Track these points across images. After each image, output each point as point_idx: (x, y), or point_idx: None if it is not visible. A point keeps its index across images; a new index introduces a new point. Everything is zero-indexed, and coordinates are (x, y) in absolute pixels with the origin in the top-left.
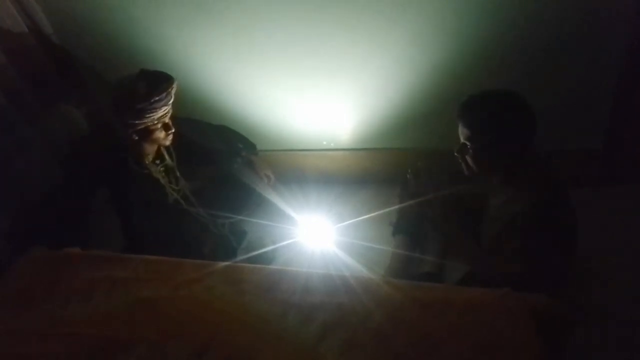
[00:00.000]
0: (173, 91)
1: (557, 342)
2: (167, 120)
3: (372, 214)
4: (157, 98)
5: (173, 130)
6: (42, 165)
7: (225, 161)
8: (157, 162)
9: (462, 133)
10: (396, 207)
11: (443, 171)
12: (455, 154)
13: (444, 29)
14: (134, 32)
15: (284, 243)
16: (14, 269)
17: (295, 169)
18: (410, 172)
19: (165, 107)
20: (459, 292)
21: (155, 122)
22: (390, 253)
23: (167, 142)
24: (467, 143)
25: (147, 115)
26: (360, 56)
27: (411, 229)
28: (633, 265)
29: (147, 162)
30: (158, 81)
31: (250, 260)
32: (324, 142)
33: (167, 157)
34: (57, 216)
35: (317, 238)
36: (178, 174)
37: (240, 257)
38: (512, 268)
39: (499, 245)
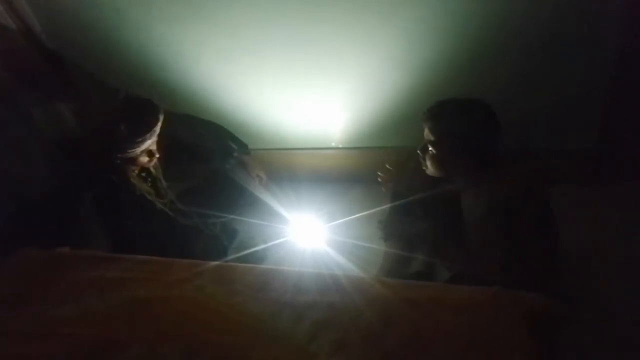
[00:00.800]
0: (158, 126)
1: (551, 341)
2: (152, 147)
3: (364, 213)
4: (140, 139)
5: (157, 155)
6: (34, 165)
7: (217, 160)
8: (143, 174)
9: (425, 135)
10: (387, 206)
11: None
12: (418, 151)
13: (436, 29)
14: (125, 30)
15: (276, 242)
16: (4, 269)
17: (287, 168)
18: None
19: (150, 141)
20: (450, 290)
21: (140, 153)
22: (383, 253)
23: (151, 164)
24: (429, 145)
25: (131, 150)
26: (352, 55)
27: (402, 230)
28: (630, 264)
29: (132, 179)
30: (141, 118)
31: (242, 259)
32: (333, 143)
33: (152, 169)
34: (48, 216)
35: (309, 237)
36: (165, 184)
37: (231, 257)
38: (492, 268)
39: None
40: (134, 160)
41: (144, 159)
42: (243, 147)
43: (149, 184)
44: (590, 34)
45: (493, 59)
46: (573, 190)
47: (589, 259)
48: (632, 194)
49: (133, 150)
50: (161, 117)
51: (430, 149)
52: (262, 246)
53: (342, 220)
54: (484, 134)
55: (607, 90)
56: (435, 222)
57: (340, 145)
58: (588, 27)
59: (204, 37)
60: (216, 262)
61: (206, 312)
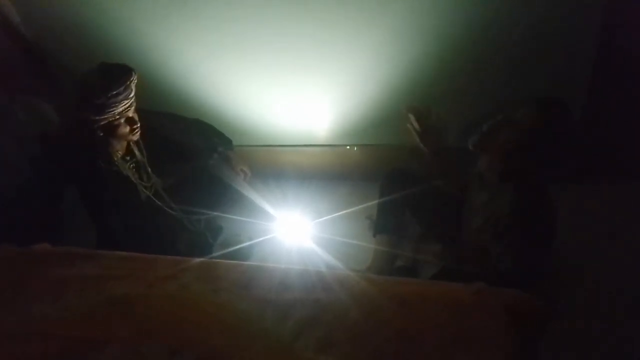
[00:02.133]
0: (133, 84)
1: (531, 336)
2: (130, 114)
3: (350, 210)
4: (115, 92)
5: (139, 125)
6: (12, 160)
7: (201, 157)
8: (127, 158)
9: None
10: (373, 202)
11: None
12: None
13: (423, 26)
14: (107, 24)
15: (261, 239)
16: None
17: (273, 164)
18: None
19: (126, 101)
20: (435, 286)
21: (118, 117)
22: (373, 250)
23: (135, 138)
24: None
25: (108, 111)
26: (339, 52)
27: (391, 226)
28: (616, 262)
29: (116, 159)
30: (116, 75)
31: (227, 256)
32: (349, 148)
33: (137, 152)
34: (27, 213)
35: (295, 234)
36: (149, 170)
37: (216, 254)
38: (501, 264)
39: (478, 238)
40: (114, 131)
41: (125, 129)
42: (227, 143)
43: (133, 168)
44: (572, 33)
45: (478, 57)
46: (552, 188)
47: (575, 257)
48: (612, 191)
49: (111, 110)
50: (134, 75)
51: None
52: (247, 243)
53: (328, 218)
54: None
55: (588, 88)
56: (425, 218)
57: (326, 143)
58: (570, 27)
59: (188, 32)
60: (200, 259)
61: (189, 310)
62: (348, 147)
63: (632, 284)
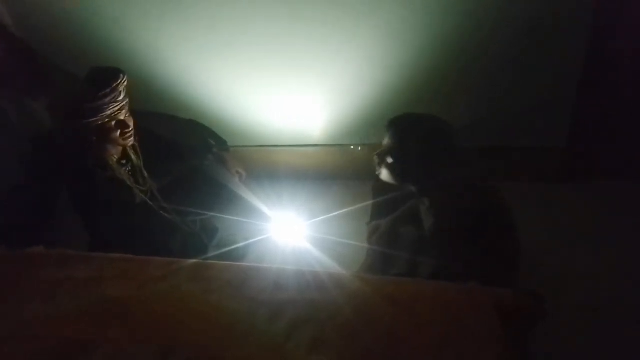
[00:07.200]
0: (122, 86)
1: (522, 335)
2: (121, 117)
3: (344, 210)
4: (102, 93)
5: (131, 129)
6: (4, 161)
7: (196, 157)
8: (123, 162)
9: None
10: (367, 203)
11: None
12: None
13: (416, 26)
14: (101, 24)
15: (256, 239)
16: None
17: (267, 165)
18: None
19: (114, 104)
20: (427, 286)
21: (107, 119)
22: (366, 250)
23: (129, 143)
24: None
25: (98, 114)
26: (332, 52)
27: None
28: (601, 261)
29: (111, 163)
30: (104, 77)
31: (222, 257)
32: (353, 148)
33: (133, 156)
34: (19, 215)
35: (289, 234)
36: (145, 173)
37: (211, 254)
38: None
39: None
40: (107, 135)
41: (116, 133)
42: (222, 143)
43: (129, 172)
44: (563, 33)
45: (471, 56)
46: (544, 188)
47: (559, 256)
48: (603, 191)
49: (101, 113)
50: (124, 78)
51: (387, 157)
52: (242, 243)
53: (322, 218)
54: (433, 147)
55: (578, 88)
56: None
57: (320, 143)
58: (561, 27)
59: (182, 32)
60: (193, 260)
61: (182, 311)
62: (352, 147)
63: (631, 284)
